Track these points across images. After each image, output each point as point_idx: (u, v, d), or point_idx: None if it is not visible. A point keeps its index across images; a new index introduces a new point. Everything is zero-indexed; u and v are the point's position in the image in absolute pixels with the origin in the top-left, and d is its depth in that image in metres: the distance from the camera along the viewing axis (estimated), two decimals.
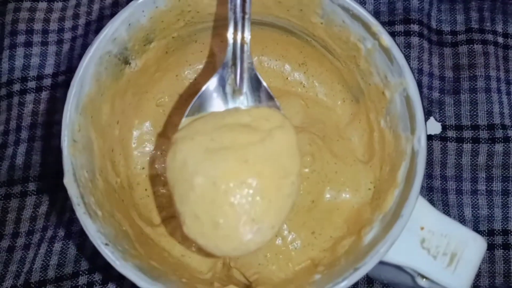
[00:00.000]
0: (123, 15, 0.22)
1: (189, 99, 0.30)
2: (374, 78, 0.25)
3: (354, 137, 0.29)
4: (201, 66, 0.30)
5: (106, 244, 0.20)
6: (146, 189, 0.28)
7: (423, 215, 0.22)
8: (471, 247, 0.21)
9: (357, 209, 0.26)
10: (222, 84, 0.22)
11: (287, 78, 0.31)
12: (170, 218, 0.28)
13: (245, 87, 0.22)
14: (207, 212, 0.19)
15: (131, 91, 0.27)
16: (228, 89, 0.22)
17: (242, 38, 0.22)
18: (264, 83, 0.22)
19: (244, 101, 0.22)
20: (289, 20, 0.27)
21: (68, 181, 0.20)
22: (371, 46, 0.24)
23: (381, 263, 0.22)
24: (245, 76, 0.22)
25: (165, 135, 0.29)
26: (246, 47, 0.22)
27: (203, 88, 0.22)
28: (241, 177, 0.19)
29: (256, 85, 0.22)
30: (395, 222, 0.20)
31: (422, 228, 0.22)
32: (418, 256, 0.22)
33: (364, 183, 0.27)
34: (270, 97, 0.23)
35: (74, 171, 0.21)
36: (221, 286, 0.23)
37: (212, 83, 0.22)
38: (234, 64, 0.22)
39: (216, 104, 0.22)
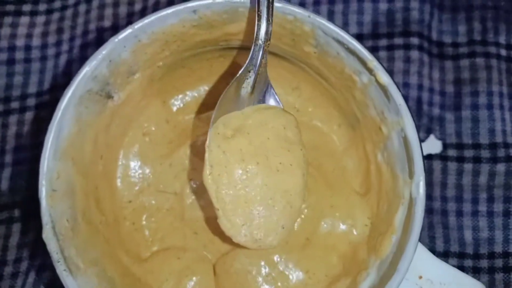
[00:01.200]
0: (103, 52, 0.21)
1: (178, 126, 0.29)
2: (371, 111, 0.24)
3: (350, 165, 0.28)
4: (189, 92, 0.29)
5: None
6: (134, 223, 0.27)
7: (421, 263, 0.21)
8: None
9: (353, 247, 0.25)
10: (239, 87, 0.24)
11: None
12: (158, 252, 0.27)
13: (256, 91, 0.24)
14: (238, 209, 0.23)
15: (115, 124, 0.25)
16: (243, 91, 0.24)
17: (266, 44, 0.23)
18: (273, 90, 0.25)
19: (254, 102, 0.24)
20: (281, 48, 0.25)
21: (46, 236, 0.19)
22: (367, 81, 0.22)
23: None
24: (259, 80, 0.24)
25: (152, 165, 0.28)
26: (265, 54, 0.23)
27: (225, 91, 0.24)
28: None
29: (265, 89, 0.25)
30: (392, 275, 0.19)
31: (420, 277, 0.21)
32: None
33: (361, 218, 0.26)
34: (276, 103, 0.25)
35: (53, 224, 0.20)
36: None
37: (231, 87, 0.24)
38: (252, 69, 0.23)
39: (232, 107, 0.24)
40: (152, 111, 0.28)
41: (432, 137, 0.35)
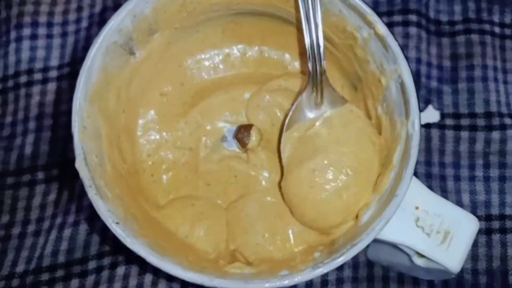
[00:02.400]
0: (129, 6, 0.23)
1: (192, 88, 0.31)
2: (371, 66, 0.26)
3: None
4: (203, 56, 0.31)
5: (117, 223, 0.21)
6: (152, 175, 0.29)
7: (418, 196, 0.23)
8: (464, 226, 0.22)
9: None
10: (308, 100, 0.27)
11: (287, 67, 0.32)
12: (174, 200, 0.29)
13: (325, 101, 0.27)
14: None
15: (136, 81, 0.28)
16: (312, 103, 0.27)
17: (320, 68, 0.26)
18: (340, 93, 0.28)
19: (326, 108, 0.27)
20: (288, 11, 0.27)
21: (79, 165, 0.21)
22: (367, 35, 0.24)
23: (379, 241, 0.23)
24: (325, 93, 0.27)
25: (169, 124, 0.30)
26: (323, 72, 0.26)
27: (293, 106, 0.27)
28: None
29: (333, 95, 0.27)
30: (391, 201, 0.21)
31: (417, 208, 0.23)
32: (413, 234, 0.23)
33: None
34: (344, 100, 0.27)
35: (84, 156, 0.22)
36: (226, 263, 0.24)
37: (299, 101, 0.27)
38: (316, 88, 0.27)
39: (304, 116, 0.27)
40: (168, 74, 0.30)
41: (430, 107, 0.37)
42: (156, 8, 0.25)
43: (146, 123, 0.30)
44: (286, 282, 0.21)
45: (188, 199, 0.28)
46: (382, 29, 0.23)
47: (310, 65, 0.26)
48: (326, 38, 0.28)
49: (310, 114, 0.27)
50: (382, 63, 0.24)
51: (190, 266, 0.22)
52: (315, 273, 0.21)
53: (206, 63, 0.31)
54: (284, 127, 0.27)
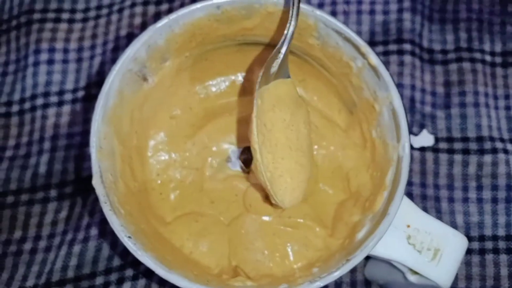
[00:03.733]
0: (144, 38, 0.26)
1: (200, 112, 0.34)
2: (365, 93, 0.28)
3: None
4: (210, 82, 0.33)
5: (129, 237, 0.23)
6: (161, 193, 0.31)
7: (409, 215, 0.24)
8: (452, 242, 0.24)
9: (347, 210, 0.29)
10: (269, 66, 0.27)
11: None
12: (180, 216, 0.30)
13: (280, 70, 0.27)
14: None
15: (148, 104, 0.30)
16: (272, 70, 0.27)
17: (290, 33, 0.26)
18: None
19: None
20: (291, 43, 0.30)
21: (96, 182, 0.23)
22: (361, 64, 0.27)
23: (375, 260, 0.24)
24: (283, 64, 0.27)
25: (178, 145, 0.32)
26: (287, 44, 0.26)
27: (262, 70, 0.27)
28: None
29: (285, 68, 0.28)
30: (383, 219, 0.23)
31: (408, 226, 0.24)
32: (405, 251, 0.24)
33: None
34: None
35: (101, 174, 0.23)
36: (229, 278, 0.25)
37: (266, 66, 0.27)
38: (279, 52, 0.27)
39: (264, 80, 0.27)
40: (178, 98, 0.32)
41: (425, 132, 0.39)
42: (168, 39, 0.27)
43: (156, 144, 0.32)
44: None
45: (192, 215, 0.30)
46: (374, 59, 0.25)
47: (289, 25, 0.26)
48: (324, 67, 0.31)
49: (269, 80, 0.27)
50: (375, 90, 0.26)
51: (196, 279, 0.23)
52: (313, 286, 0.22)
53: (214, 89, 0.33)
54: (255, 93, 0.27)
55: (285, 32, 0.26)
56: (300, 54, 0.31)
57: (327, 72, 0.31)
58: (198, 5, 0.26)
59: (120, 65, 0.25)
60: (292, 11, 0.26)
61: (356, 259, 0.22)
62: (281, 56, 0.27)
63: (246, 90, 0.33)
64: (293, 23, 0.26)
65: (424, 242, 0.24)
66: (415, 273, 0.26)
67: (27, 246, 0.36)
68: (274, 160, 0.26)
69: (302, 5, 0.26)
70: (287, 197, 0.26)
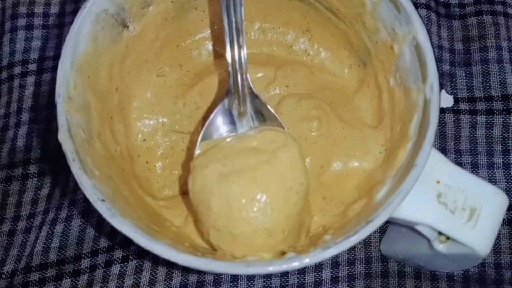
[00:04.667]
0: None
1: (191, 70, 0.30)
2: (381, 34, 0.24)
3: (362, 104, 0.28)
4: (202, 36, 0.30)
5: (103, 200, 0.19)
6: (147, 162, 0.27)
7: (438, 169, 0.20)
8: (491, 202, 0.20)
9: (368, 173, 0.25)
10: (229, 108, 0.25)
11: (291, 47, 0.30)
12: (171, 198, 0.27)
13: (249, 109, 0.25)
14: (225, 226, 0.22)
15: (131, 58, 0.26)
16: (234, 112, 0.25)
17: (241, 70, 0.24)
18: (267, 105, 0.25)
19: (249, 121, 0.25)
20: None
21: (62, 136, 0.19)
22: None
23: (398, 226, 0.21)
24: (248, 100, 0.24)
25: (166, 106, 0.28)
26: (244, 76, 0.24)
27: (212, 115, 0.25)
28: (251, 194, 0.22)
29: (259, 106, 0.25)
30: (409, 172, 0.19)
31: (438, 182, 0.20)
32: (435, 212, 0.20)
33: (375, 147, 0.25)
34: (273, 116, 0.25)
35: (69, 127, 0.20)
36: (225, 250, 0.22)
37: (219, 109, 0.25)
38: (237, 92, 0.24)
39: (225, 126, 0.25)
40: (166, 54, 0.28)
41: (443, 92, 0.35)
42: None
43: (142, 105, 0.28)
44: (295, 265, 0.19)
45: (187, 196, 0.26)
46: None
47: (229, 66, 0.23)
48: (332, 10, 0.27)
49: (231, 126, 0.24)
50: (394, 27, 0.22)
51: (186, 250, 0.20)
52: (325, 254, 0.19)
53: (206, 43, 0.30)
54: (198, 141, 0.24)
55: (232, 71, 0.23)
56: None
57: (336, 16, 0.27)
58: None
59: (92, 2, 0.21)
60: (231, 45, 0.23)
61: (379, 220, 0.19)
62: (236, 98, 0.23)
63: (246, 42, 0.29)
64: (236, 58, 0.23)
65: (457, 200, 0.20)
66: (445, 240, 0.22)
67: (5, 227, 0.32)
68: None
69: None
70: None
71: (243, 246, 0.22)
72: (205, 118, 0.28)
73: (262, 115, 0.24)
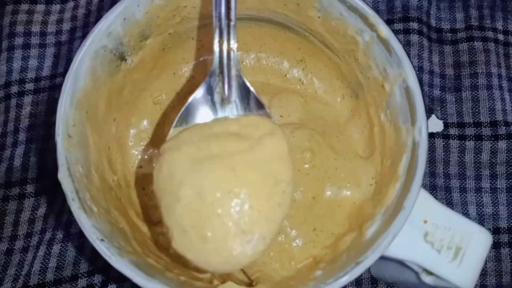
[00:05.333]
0: (118, 9, 0.22)
1: (187, 96, 0.30)
2: (373, 72, 0.24)
3: (354, 133, 0.28)
4: (198, 64, 0.30)
5: (102, 240, 0.19)
6: (144, 188, 0.28)
7: (426, 208, 0.21)
8: (476, 240, 0.21)
9: (359, 205, 0.25)
10: (210, 93, 0.22)
11: (285, 75, 0.31)
12: None
13: (234, 96, 0.22)
14: (194, 225, 0.18)
15: (128, 88, 0.26)
16: (217, 97, 0.22)
17: (228, 45, 0.21)
18: (253, 91, 0.22)
19: (233, 110, 0.21)
20: (286, 15, 0.26)
21: (62, 175, 0.20)
22: (369, 38, 0.23)
23: (385, 259, 0.21)
24: (234, 84, 0.22)
25: (163, 134, 0.29)
26: (232, 55, 0.21)
27: (190, 98, 0.21)
28: (228, 187, 0.18)
29: (245, 93, 0.22)
30: (397, 214, 0.20)
31: (425, 222, 0.21)
32: (422, 250, 0.21)
33: (365, 178, 0.26)
34: (260, 105, 0.22)
35: (68, 166, 0.20)
36: (220, 284, 0.22)
37: (199, 93, 0.21)
38: (222, 72, 0.21)
39: (205, 114, 0.21)
40: (163, 82, 0.29)
41: (433, 117, 0.36)
42: (148, 12, 0.24)
43: (138, 132, 0.28)
44: None
45: None
46: (385, 31, 0.22)
47: (215, 38, 0.20)
48: (326, 44, 0.27)
49: (211, 115, 0.21)
50: (385, 67, 0.23)
51: (181, 286, 0.20)
52: None
53: (202, 72, 0.30)
54: (174, 122, 0.21)
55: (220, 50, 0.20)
56: (298, 29, 0.28)
57: (330, 50, 0.27)
58: None
59: (91, 40, 0.22)
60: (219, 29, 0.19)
61: (368, 262, 0.19)
62: (224, 80, 0.20)
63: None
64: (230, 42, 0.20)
65: (443, 239, 0.21)
66: (431, 273, 0.23)
67: (2, 246, 0.33)
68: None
69: None
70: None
71: (215, 254, 0.18)
72: None
73: (248, 103, 0.21)
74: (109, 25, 0.22)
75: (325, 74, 0.30)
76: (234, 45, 0.21)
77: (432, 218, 0.21)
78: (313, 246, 0.25)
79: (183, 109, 0.21)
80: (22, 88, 0.36)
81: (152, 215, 0.28)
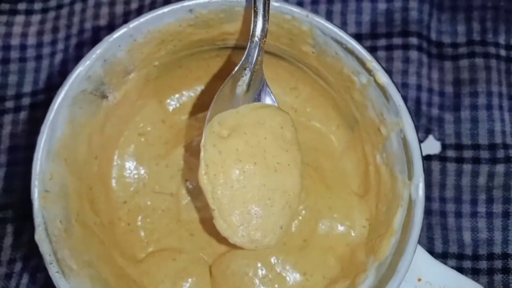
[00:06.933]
0: (97, 52, 0.21)
1: (174, 126, 0.29)
2: (370, 112, 0.23)
3: (349, 167, 0.27)
4: (185, 92, 0.29)
5: None
6: (129, 224, 0.27)
7: (420, 265, 0.21)
8: None
9: (351, 248, 0.25)
10: (232, 88, 0.23)
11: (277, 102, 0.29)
12: (154, 253, 0.26)
13: (253, 92, 0.24)
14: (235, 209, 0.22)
15: (110, 124, 0.25)
16: (238, 90, 0.24)
17: (262, 42, 0.22)
18: (269, 88, 0.24)
19: (250, 101, 0.24)
20: (279, 47, 0.25)
21: (39, 237, 0.19)
22: (366, 81, 0.22)
23: None
24: (258, 78, 0.24)
25: (148, 166, 0.28)
26: (262, 52, 0.23)
27: (220, 89, 0.23)
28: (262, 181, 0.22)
29: (261, 88, 0.24)
30: (391, 277, 0.19)
31: (419, 280, 0.20)
32: None
33: (359, 219, 0.25)
34: (272, 101, 0.24)
35: (46, 225, 0.19)
36: None
37: (227, 85, 0.23)
38: (248, 67, 0.23)
39: (228, 105, 0.24)
40: (148, 111, 0.28)
41: (431, 138, 0.35)
42: (130, 50, 0.22)
43: (122, 166, 0.27)
44: None
45: (169, 252, 0.26)
46: (383, 77, 0.21)
47: (258, 22, 0.22)
48: (321, 76, 0.26)
49: (235, 104, 0.23)
50: (382, 112, 0.22)
51: None
52: None
53: (190, 99, 0.29)
54: (206, 120, 0.23)
55: (250, 40, 0.22)
56: (292, 60, 0.26)
57: (324, 82, 0.26)
58: (165, 9, 0.21)
59: (69, 87, 0.20)
60: (257, 14, 0.21)
61: None
62: (247, 73, 0.22)
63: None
64: (259, 27, 0.21)
65: None
66: None
67: None
68: (233, 194, 0.22)
69: (294, 9, 0.21)
70: (256, 235, 0.22)
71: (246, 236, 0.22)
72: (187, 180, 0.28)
73: (261, 99, 0.24)
74: (88, 69, 0.21)
75: (319, 103, 0.28)
76: (264, 44, 0.23)
77: (427, 275, 0.20)
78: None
79: (212, 103, 0.23)
80: (3, 107, 0.35)
81: (136, 252, 0.27)
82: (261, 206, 0.22)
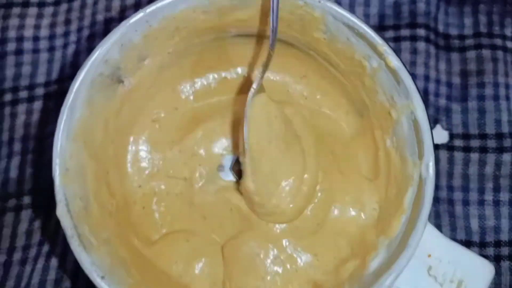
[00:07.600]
0: (115, 36, 0.21)
1: (187, 113, 0.29)
2: (380, 97, 0.24)
3: (359, 153, 0.28)
4: (198, 79, 0.29)
5: (102, 277, 0.19)
6: (144, 207, 0.28)
7: (430, 242, 0.21)
8: (478, 274, 0.21)
9: (362, 230, 0.25)
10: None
11: (288, 91, 0.30)
12: (168, 234, 0.27)
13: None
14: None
15: (126, 109, 0.26)
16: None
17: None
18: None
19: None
20: (288, 33, 0.25)
21: (61, 212, 0.20)
22: (377, 65, 0.22)
23: None
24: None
25: (162, 152, 0.28)
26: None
27: (261, 73, 0.25)
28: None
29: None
30: (402, 251, 0.19)
31: (429, 256, 0.21)
32: (425, 284, 0.21)
33: (369, 202, 0.26)
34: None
35: (67, 201, 0.20)
36: None
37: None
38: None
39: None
40: (161, 98, 0.28)
41: (438, 127, 0.35)
42: (146, 36, 0.23)
43: (136, 151, 0.28)
44: None
45: (182, 234, 0.27)
46: (394, 61, 0.21)
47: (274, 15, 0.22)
48: (331, 63, 0.27)
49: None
50: (393, 95, 0.22)
51: None
52: None
53: (203, 86, 0.29)
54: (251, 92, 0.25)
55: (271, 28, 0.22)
56: (302, 47, 0.27)
57: (335, 69, 0.26)
58: None
59: (87, 70, 0.21)
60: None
61: None
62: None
63: (241, 87, 0.29)
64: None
65: (446, 273, 0.21)
66: None
67: (1, 258, 0.33)
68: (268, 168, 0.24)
69: None
70: (283, 204, 0.24)
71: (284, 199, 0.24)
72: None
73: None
74: (105, 53, 0.21)
75: (329, 90, 0.29)
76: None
77: (436, 252, 0.21)
78: (313, 271, 0.25)
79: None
80: (16, 97, 0.35)
81: (152, 234, 0.27)
82: (288, 180, 0.24)
